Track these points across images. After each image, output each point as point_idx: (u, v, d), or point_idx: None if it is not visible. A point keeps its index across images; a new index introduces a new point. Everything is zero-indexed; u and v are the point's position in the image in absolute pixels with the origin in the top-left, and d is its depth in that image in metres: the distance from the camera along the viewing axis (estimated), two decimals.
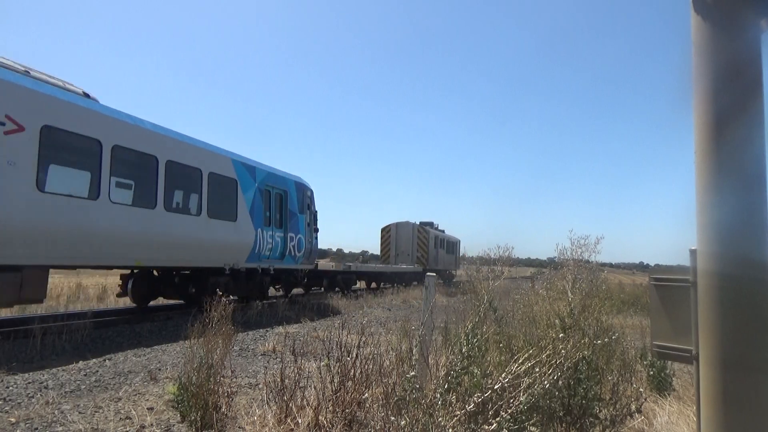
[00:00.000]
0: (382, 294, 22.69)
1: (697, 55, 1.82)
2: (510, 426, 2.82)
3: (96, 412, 5.30)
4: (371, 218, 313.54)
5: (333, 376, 3.98)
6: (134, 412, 5.19)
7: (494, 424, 2.83)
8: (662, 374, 5.77)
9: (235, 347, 9.08)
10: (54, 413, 5.21)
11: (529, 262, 26.36)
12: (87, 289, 19.46)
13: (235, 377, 6.11)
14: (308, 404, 3.93)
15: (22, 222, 8.48)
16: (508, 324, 5.01)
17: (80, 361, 7.99)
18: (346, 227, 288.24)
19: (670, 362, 5.41)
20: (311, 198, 18.13)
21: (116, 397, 5.87)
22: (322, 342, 4.79)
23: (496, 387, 2.95)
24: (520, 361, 3.07)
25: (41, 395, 5.90)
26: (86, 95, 10.24)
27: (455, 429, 2.83)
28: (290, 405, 3.93)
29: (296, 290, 20.19)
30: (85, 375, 7.02)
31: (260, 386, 6.03)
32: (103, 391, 6.18)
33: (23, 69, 8.88)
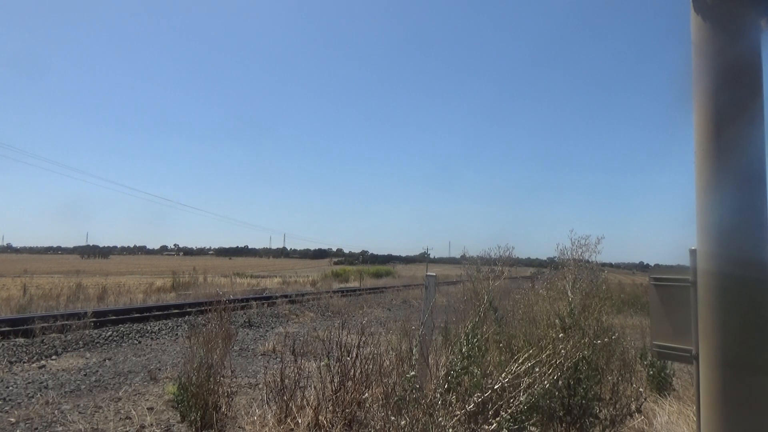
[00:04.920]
0: (382, 294, 22.69)
1: (697, 55, 1.82)
2: (510, 426, 2.82)
3: (96, 412, 5.29)
4: (371, 218, 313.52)
5: (333, 376, 3.98)
6: (134, 412, 5.19)
7: (494, 424, 2.83)
8: (662, 374, 5.77)
9: (235, 347, 9.09)
10: (54, 413, 5.21)
11: (529, 262, 26.29)
12: (87, 289, 19.47)
13: (235, 377, 6.11)
14: (308, 404, 3.93)
15: None
16: (508, 324, 5.00)
17: (80, 361, 7.99)
18: (347, 227, 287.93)
19: (670, 362, 5.41)
20: None
21: (116, 397, 5.87)
22: (322, 342, 4.79)
23: (496, 387, 2.95)
24: (520, 361, 3.07)
25: (41, 395, 5.90)
26: None
27: (455, 429, 2.83)
28: (290, 405, 3.93)
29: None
30: (85, 375, 7.02)
31: (260, 386, 6.03)
32: (103, 391, 6.18)
33: None
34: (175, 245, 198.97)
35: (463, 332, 3.48)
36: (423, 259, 66.69)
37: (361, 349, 4.09)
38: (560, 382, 3.43)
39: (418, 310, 7.27)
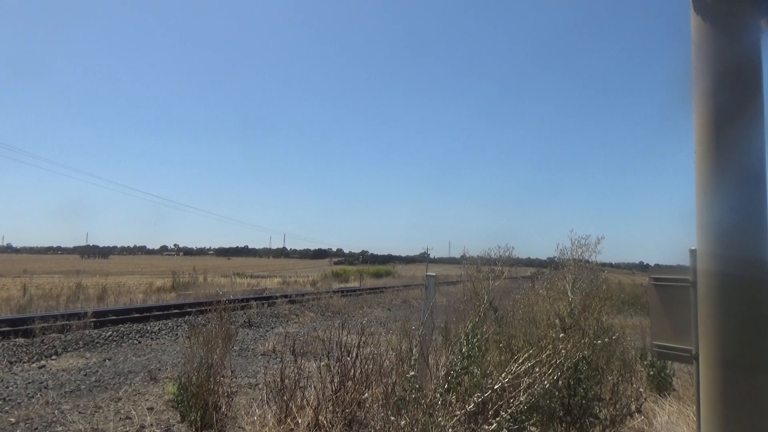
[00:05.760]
0: (382, 294, 22.69)
1: (697, 55, 1.82)
2: (510, 426, 2.82)
3: (96, 412, 5.29)
4: (371, 218, 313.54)
5: (333, 376, 3.98)
6: (134, 412, 5.19)
7: (494, 424, 2.83)
8: (662, 374, 5.77)
9: (235, 347, 9.09)
10: (54, 413, 5.21)
11: (529, 262, 26.29)
12: (87, 289, 19.46)
13: (235, 377, 6.11)
14: (308, 404, 3.93)
15: None
16: (508, 324, 4.99)
17: (80, 361, 7.99)
18: (347, 227, 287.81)
19: (670, 362, 5.40)
20: None
21: (116, 397, 5.87)
22: (322, 342, 4.79)
23: (496, 387, 2.95)
24: (520, 361, 3.07)
25: (41, 395, 5.90)
26: None
27: (455, 429, 2.83)
28: (290, 405, 3.93)
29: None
30: (85, 375, 7.02)
31: (260, 386, 6.03)
32: (103, 391, 6.18)
33: None
34: (175, 245, 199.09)
35: (463, 332, 3.48)
36: (423, 259, 66.62)
37: (361, 349, 4.10)
38: (560, 382, 3.43)
39: (418, 310, 7.27)
